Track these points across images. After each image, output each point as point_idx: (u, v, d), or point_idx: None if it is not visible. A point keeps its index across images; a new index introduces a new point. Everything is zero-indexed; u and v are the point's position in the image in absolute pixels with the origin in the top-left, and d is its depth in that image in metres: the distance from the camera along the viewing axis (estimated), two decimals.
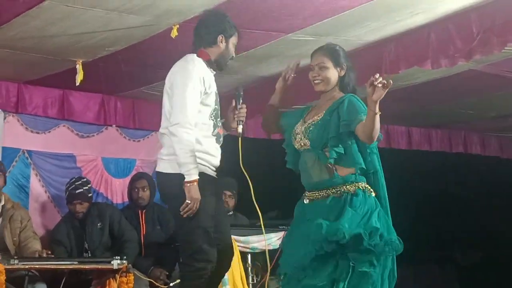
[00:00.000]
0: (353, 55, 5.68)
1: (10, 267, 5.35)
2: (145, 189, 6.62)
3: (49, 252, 5.89)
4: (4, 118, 6.84)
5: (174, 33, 5.21)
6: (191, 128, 4.16)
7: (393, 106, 7.47)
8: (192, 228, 4.24)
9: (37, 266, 5.64)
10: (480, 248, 9.53)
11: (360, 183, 3.94)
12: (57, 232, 6.44)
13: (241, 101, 4.49)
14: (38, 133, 7.07)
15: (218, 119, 4.41)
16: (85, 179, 6.59)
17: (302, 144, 4.08)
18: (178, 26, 5.20)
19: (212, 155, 4.34)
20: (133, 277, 5.55)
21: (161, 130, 4.41)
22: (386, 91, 3.68)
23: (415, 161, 8.94)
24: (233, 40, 4.47)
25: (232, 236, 6.06)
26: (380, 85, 3.65)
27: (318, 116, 4.06)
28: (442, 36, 5.35)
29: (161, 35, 5.41)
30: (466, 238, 9.37)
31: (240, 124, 4.43)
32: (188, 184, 4.12)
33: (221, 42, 4.41)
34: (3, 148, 6.82)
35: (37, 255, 5.81)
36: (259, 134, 8.08)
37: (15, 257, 5.55)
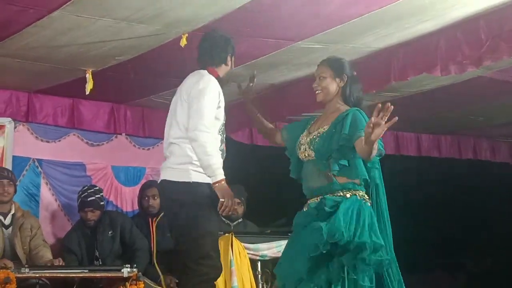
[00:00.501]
0: (362, 62, 5.72)
1: (21, 275, 5.36)
2: (156, 197, 6.62)
3: (62, 261, 5.90)
4: (15, 127, 6.87)
5: (183, 42, 5.23)
6: (209, 132, 4.26)
7: (403, 112, 7.41)
8: (201, 234, 4.31)
9: (48, 275, 5.65)
10: (491, 254, 9.50)
11: (358, 191, 3.98)
12: (68, 240, 6.45)
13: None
14: (48, 142, 7.09)
15: (224, 135, 4.51)
16: (97, 188, 6.62)
17: (306, 155, 4.11)
18: (187, 35, 5.22)
19: None
20: (143, 285, 5.55)
21: (171, 139, 4.47)
22: (385, 130, 3.68)
23: (424, 168, 8.93)
24: (234, 58, 4.70)
25: (242, 244, 6.10)
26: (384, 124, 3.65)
27: (324, 128, 4.09)
28: (451, 43, 5.34)
29: (170, 44, 5.43)
30: (476, 244, 9.34)
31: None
32: (217, 185, 4.22)
33: (230, 61, 4.67)
34: (14, 157, 6.85)
35: (50, 264, 5.82)
36: (268, 141, 8.10)
37: (26, 265, 5.57)
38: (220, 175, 4.24)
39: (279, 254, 6.25)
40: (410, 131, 8.74)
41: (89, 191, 6.46)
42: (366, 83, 4.34)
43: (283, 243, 6.25)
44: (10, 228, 6.06)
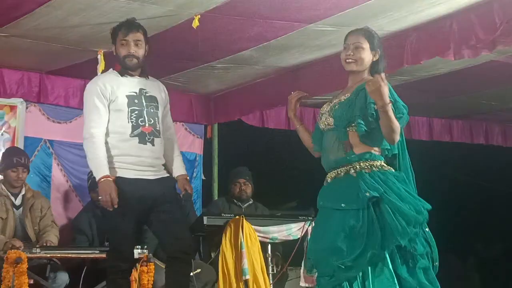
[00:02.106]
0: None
1: (32, 255, 5.39)
2: None
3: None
4: (26, 108, 6.89)
5: (195, 23, 5.22)
6: (88, 137, 4.54)
7: (415, 96, 7.46)
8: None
9: (59, 255, 5.68)
10: (501, 239, 9.48)
11: (375, 161, 3.86)
12: (78, 221, 6.47)
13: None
14: (59, 123, 7.10)
15: (141, 119, 4.55)
16: None
17: (326, 123, 3.98)
18: (199, 16, 5.20)
19: (131, 155, 4.52)
20: (153, 266, 5.56)
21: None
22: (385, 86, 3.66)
23: (436, 152, 8.90)
24: (119, 40, 4.63)
25: (253, 226, 6.10)
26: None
27: (345, 96, 3.96)
28: (464, 26, 5.30)
29: (182, 25, 5.42)
30: (487, 229, 9.33)
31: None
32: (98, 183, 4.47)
33: (114, 50, 4.68)
34: (25, 137, 6.86)
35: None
36: (279, 124, 8.11)
37: (37, 246, 5.59)
38: (99, 174, 4.44)
39: (290, 237, 6.31)
40: (421, 115, 8.71)
41: None
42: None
43: (294, 226, 6.28)
44: (21, 209, 6.08)
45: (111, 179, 4.43)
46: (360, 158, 3.85)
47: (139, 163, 4.53)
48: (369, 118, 3.81)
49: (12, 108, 6.80)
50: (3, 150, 6.64)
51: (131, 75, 4.64)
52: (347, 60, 4.00)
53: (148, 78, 4.74)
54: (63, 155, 7.09)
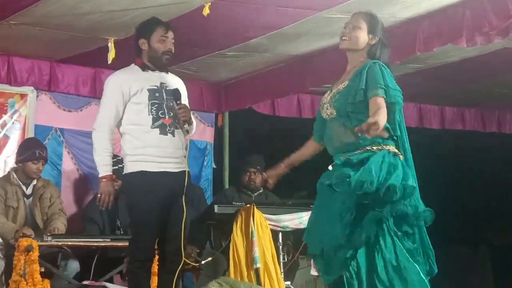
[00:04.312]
0: (386, 32, 5.63)
1: (43, 243, 5.40)
2: None
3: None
4: (37, 96, 6.89)
5: (206, 11, 5.20)
6: (98, 130, 4.63)
7: (426, 84, 7.43)
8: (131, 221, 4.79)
9: (70, 243, 5.70)
10: None
11: (388, 145, 3.81)
12: (89, 210, 6.48)
13: (178, 101, 4.67)
14: (70, 111, 7.10)
15: (161, 112, 4.60)
16: (119, 157, 6.59)
17: (329, 113, 3.94)
18: (210, 3, 5.18)
19: (152, 146, 4.56)
20: None
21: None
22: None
23: (447, 141, 8.86)
24: (158, 36, 4.68)
25: (264, 215, 6.09)
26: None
27: (343, 84, 3.92)
28: (477, 13, 5.26)
29: (193, 13, 5.40)
30: (499, 218, 9.28)
31: (184, 124, 4.64)
32: (100, 181, 4.58)
33: (144, 43, 4.69)
34: (36, 126, 6.87)
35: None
36: (290, 112, 8.09)
37: (48, 234, 5.60)
38: (102, 172, 4.56)
39: (301, 226, 6.28)
40: (433, 103, 8.66)
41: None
42: (390, 54, 4.22)
43: (305, 214, 6.25)
44: (31, 198, 6.09)
45: (112, 180, 4.59)
46: (373, 142, 3.79)
47: (160, 154, 4.56)
48: (366, 107, 3.76)
49: (23, 96, 6.81)
50: (13, 138, 6.65)
51: (153, 70, 4.70)
52: (342, 38, 3.99)
53: (168, 73, 4.80)
54: (73, 143, 7.10)
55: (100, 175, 4.56)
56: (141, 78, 4.64)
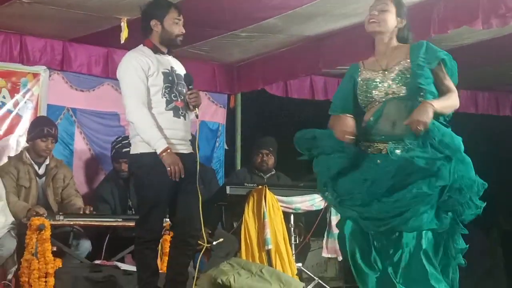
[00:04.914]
0: None
1: (55, 223, 5.42)
2: None
3: (91, 209, 5.94)
4: (49, 76, 6.88)
5: None
6: (137, 110, 4.57)
7: None
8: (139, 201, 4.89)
9: (82, 223, 5.71)
10: None
11: None
12: (101, 190, 6.49)
13: (191, 86, 4.71)
14: (82, 91, 7.09)
15: (173, 95, 4.63)
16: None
17: (391, 91, 3.79)
18: None
19: (167, 128, 4.58)
20: None
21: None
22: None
23: (461, 124, 8.79)
24: (172, 19, 4.69)
25: (276, 196, 6.08)
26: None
27: (406, 62, 3.80)
28: None
29: None
30: (510, 201, 9.24)
31: (194, 109, 4.68)
32: (162, 155, 4.49)
33: (157, 24, 4.69)
34: (48, 105, 6.87)
35: (81, 212, 5.86)
36: (303, 94, 8.06)
37: (60, 213, 5.61)
38: (161, 146, 4.48)
39: (312, 208, 6.29)
40: None
41: (123, 142, 6.46)
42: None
43: (317, 196, 6.26)
44: (44, 178, 6.09)
45: (171, 151, 4.52)
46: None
47: (173, 136, 4.60)
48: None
49: (35, 75, 6.80)
50: (26, 117, 6.66)
51: (163, 53, 4.73)
52: (370, 20, 3.87)
53: (173, 57, 4.84)
54: (85, 123, 7.10)
55: (160, 150, 4.47)
56: (155, 60, 4.66)
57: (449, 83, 3.85)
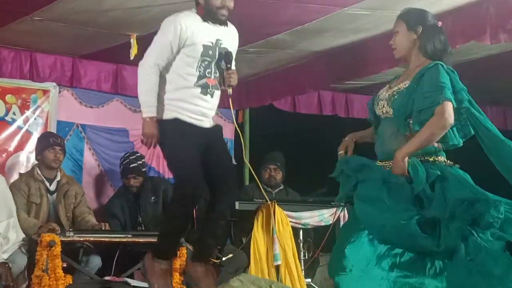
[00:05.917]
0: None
1: (66, 239, 5.42)
2: None
3: (107, 225, 5.96)
4: (59, 92, 6.91)
5: None
6: (147, 67, 4.49)
7: None
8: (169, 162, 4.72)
9: (92, 239, 5.70)
10: None
11: (439, 157, 3.72)
12: (111, 206, 6.50)
13: (229, 65, 4.61)
14: (91, 107, 7.13)
15: (208, 70, 4.52)
16: (139, 154, 6.64)
17: (384, 111, 3.84)
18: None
19: (190, 103, 4.50)
20: (185, 250, 5.57)
21: None
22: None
23: (469, 138, 8.78)
24: None
25: (284, 212, 6.08)
26: None
27: (404, 84, 3.79)
28: (501, 10, 5.25)
29: None
30: None
31: (229, 88, 4.62)
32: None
33: None
34: (58, 121, 6.90)
35: (97, 228, 5.88)
36: (310, 109, 8.07)
37: (70, 229, 5.62)
38: (147, 112, 4.43)
39: (322, 223, 6.28)
40: None
41: (131, 157, 6.49)
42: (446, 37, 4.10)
43: (326, 211, 6.26)
44: (55, 194, 6.10)
45: (156, 122, 4.45)
46: (426, 152, 3.71)
47: (195, 111, 4.52)
48: (429, 114, 3.65)
49: (45, 92, 6.84)
50: (36, 134, 6.68)
51: (213, 23, 4.56)
52: (392, 48, 3.95)
53: (227, 25, 4.67)
54: (95, 139, 7.13)
55: (144, 115, 4.43)
56: (200, 29, 4.49)
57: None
